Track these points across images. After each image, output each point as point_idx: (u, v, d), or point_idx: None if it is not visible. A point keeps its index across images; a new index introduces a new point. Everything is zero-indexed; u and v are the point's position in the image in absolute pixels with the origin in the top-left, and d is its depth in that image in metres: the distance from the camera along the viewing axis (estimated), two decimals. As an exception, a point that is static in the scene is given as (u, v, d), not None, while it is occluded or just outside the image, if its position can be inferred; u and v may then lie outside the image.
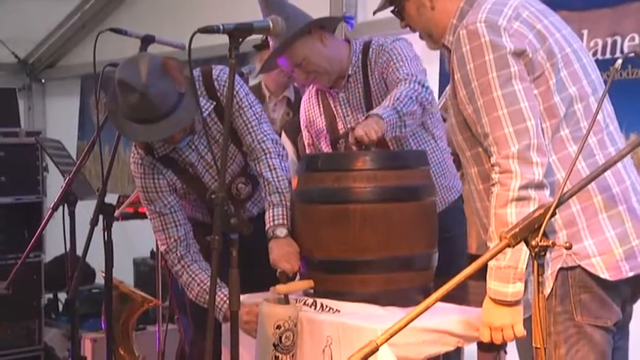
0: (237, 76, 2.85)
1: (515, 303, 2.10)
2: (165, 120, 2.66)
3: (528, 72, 2.12)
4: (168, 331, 3.80)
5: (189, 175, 2.95)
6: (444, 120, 3.31)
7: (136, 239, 5.25)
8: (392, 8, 2.38)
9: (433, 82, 4.07)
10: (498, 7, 2.16)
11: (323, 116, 3.14)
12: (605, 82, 2.26)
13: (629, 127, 3.51)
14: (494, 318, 2.13)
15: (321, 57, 2.97)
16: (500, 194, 2.08)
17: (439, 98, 3.68)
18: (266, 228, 2.80)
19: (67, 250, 3.01)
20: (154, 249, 4.58)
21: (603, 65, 3.46)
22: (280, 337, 2.51)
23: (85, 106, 6.81)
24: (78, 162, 3.03)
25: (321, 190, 2.66)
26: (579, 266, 2.10)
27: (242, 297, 2.37)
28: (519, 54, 2.11)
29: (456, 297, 2.28)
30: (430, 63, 3.01)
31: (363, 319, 2.47)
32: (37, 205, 4.90)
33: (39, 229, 3.21)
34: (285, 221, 2.79)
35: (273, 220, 2.79)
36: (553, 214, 1.73)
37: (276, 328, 2.51)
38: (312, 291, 2.70)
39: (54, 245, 4.86)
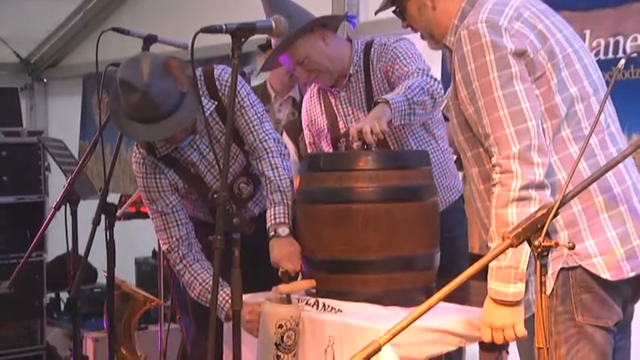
0: (238, 76, 2.85)
1: (516, 303, 2.10)
2: (166, 119, 2.66)
3: (529, 72, 2.12)
4: (170, 331, 3.81)
5: (190, 175, 2.95)
6: (446, 120, 3.31)
7: (137, 239, 5.25)
8: (393, 8, 2.38)
9: (435, 82, 4.08)
10: (499, 7, 2.16)
11: (324, 115, 3.14)
12: (608, 82, 2.26)
13: (632, 128, 3.51)
14: (495, 318, 2.13)
15: (323, 55, 2.97)
16: (501, 194, 2.08)
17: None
18: (267, 226, 2.80)
19: (69, 249, 3.01)
20: (156, 248, 4.59)
21: (606, 65, 3.46)
22: (282, 337, 2.51)
23: (87, 106, 6.82)
24: (80, 162, 3.03)
25: (324, 190, 2.66)
26: (580, 266, 2.10)
27: (244, 296, 2.37)
28: (520, 54, 2.11)
29: (458, 297, 2.28)
30: (432, 63, 3.00)
31: (365, 319, 2.47)
32: (39, 204, 4.90)
33: (41, 229, 3.21)
34: (287, 220, 2.79)
35: (275, 219, 2.79)
36: (556, 214, 1.73)
37: (278, 327, 2.51)
38: (314, 291, 2.70)
39: (56, 245, 4.86)
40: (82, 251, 2.89)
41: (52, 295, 5.55)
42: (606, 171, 1.87)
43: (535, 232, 1.72)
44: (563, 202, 1.77)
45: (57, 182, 4.66)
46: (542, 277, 1.72)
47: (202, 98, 2.82)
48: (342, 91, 3.08)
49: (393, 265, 2.60)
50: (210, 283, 2.80)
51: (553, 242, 1.72)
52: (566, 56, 2.17)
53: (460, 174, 3.35)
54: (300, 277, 2.77)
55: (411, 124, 2.97)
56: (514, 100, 2.08)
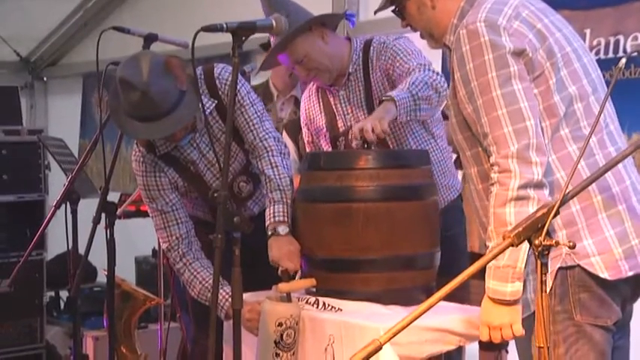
0: (238, 75, 2.85)
1: (514, 302, 2.10)
2: (166, 118, 2.66)
3: (528, 71, 2.12)
4: (170, 330, 3.81)
5: (190, 173, 2.95)
6: (446, 118, 3.31)
7: (137, 237, 5.25)
8: (392, 8, 2.38)
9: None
10: (498, 6, 2.16)
11: (323, 114, 3.14)
12: (607, 81, 2.26)
13: (632, 127, 3.51)
14: (492, 317, 2.13)
15: (322, 54, 2.97)
16: (500, 194, 2.08)
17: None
18: (266, 224, 2.80)
19: (70, 248, 3.01)
20: (156, 247, 4.59)
21: (606, 64, 3.46)
22: (282, 335, 2.51)
23: (87, 105, 6.81)
24: (80, 160, 3.03)
25: (324, 189, 2.66)
26: (578, 265, 2.10)
27: (244, 295, 2.37)
28: (519, 53, 2.11)
29: (458, 296, 2.28)
30: (432, 62, 3.00)
31: (365, 318, 2.47)
32: (39, 203, 4.90)
33: (41, 228, 3.21)
34: (286, 218, 2.79)
35: (274, 217, 2.79)
36: (556, 214, 1.73)
37: (278, 325, 2.51)
38: (314, 289, 2.70)
39: (56, 243, 4.86)
40: (82, 250, 2.90)
41: (52, 293, 5.54)
42: (607, 170, 1.87)
43: (536, 232, 1.72)
44: (564, 202, 1.77)
45: (57, 181, 4.66)
46: (543, 276, 1.72)
47: (202, 97, 2.82)
48: (341, 90, 3.08)
49: (393, 264, 2.60)
50: (210, 281, 2.81)
51: (554, 241, 1.72)
52: (565, 55, 2.17)
53: (459, 173, 3.35)
54: (298, 276, 2.77)
55: (411, 123, 2.97)
56: (512, 100, 2.08)
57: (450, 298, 1.77)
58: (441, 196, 2.99)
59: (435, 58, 4.01)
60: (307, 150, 3.25)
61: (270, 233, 2.78)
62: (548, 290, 2.07)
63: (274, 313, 2.53)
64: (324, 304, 2.62)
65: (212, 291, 2.23)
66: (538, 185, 2.06)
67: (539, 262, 1.71)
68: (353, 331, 2.44)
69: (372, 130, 2.62)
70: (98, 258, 3.07)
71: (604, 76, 2.31)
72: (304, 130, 3.25)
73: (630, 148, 1.87)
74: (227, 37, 2.30)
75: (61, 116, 7.13)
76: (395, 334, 1.66)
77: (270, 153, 2.87)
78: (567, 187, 1.78)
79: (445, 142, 3.13)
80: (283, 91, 4.06)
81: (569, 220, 2.09)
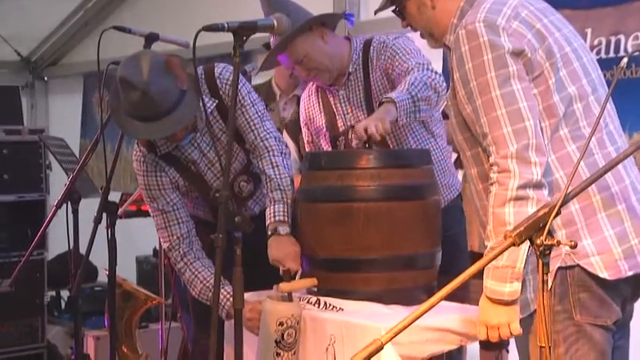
0: (240, 76, 2.85)
1: (512, 302, 2.11)
2: (166, 117, 2.66)
3: (527, 72, 2.12)
4: (171, 329, 3.81)
5: (191, 173, 2.95)
6: (445, 117, 3.31)
7: (138, 237, 5.25)
8: (393, 8, 2.38)
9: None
10: (498, 6, 2.16)
11: (323, 114, 3.14)
12: (608, 81, 2.26)
13: (633, 127, 3.50)
14: (490, 316, 2.14)
15: (322, 54, 2.97)
16: (499, 193, 2.08)
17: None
18: (266, 224, 2.80)
19: (71, 248, 3.01)
20: (157, 247, 4.59)
21: (607, 64, 3.46)
22: (282, 334, 2.51)
23: (88, 104, 6.81)
24: (81, 160, 3.03)
25: (325, 189, 2.66)
26: (578, 265, 2.10)
27: (246, 295, 2.37)
28: (518, 54, 2.11)
29: (459, 296, 2.29)
30: (433, 62, 3.00)
31: (366, 318, 2.47)
32: (40, 203, 4.89)
33: (42, 227, 3.21)
34: (286, 218, 2.79)
35: (274, 217, 2.79)
36: (558, 213, 1.73)
37: (279, 325, 2.51)
38: (315, 289, 2.70)
39: (56, 243, 4.87)
40: (82, 250, 2.90)
41: (53, 293, 5.54)
42: (608, 170, 1.87)
43: (537, 231, 1.72)
44: (566, 201, 1.77)
45: (58, 180, 4.65)
46: (545, 275, 1.72)
47: (203, 96, 2.81)
48: (340, 90, 3.08)
49: (394, 264, 2.60)
50: (211, 281, 2.81)
51: (555, 241, 1.72)
52: (565, 55, 2.17)
53: (460, 173, 3.35)
54: (298, 275, 2.77)
55: (411, 123, 2.97)
56: (511, 100, 2.08)
57: (450, 297, 1.77)
58: (441, 195, 2.99)
59: (435, 58, 4.02)
60: (307, 150, 3.25)
61: (270, 233, 2.78)
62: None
63: (275, 313, 2.53)
64: (325, 303, 2.62)
65: (213, 290, 2.23)
66: (537, 185, 2.06)
67: (540, 261, 1.71)
68: (354, 331, 2.44)
69: (376, 130, 2.62)
70: (99, 258, 3.07)
71: (605, 76, 2.31)
72: (304, 129, 3.25)
73: (632, 148, 1.87)
74: (228, 37, 2.30)
75: (61, 116, 7.14)
76: (396, 334, 1.66)
77: (270, 153, 2.87)
78: (568, 186, 1.78)
79: (445, 141, 3.13)
80: (286, 91, 4.06)
81: (569, 219, 2.10)
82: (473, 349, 3.36)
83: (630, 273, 2.11)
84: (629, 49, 3.60)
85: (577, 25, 2.54)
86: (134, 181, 4.23)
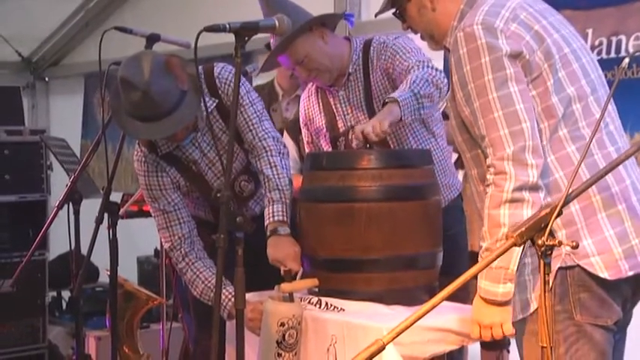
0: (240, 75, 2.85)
1: (506, 303, 2.13)
2: (167, 118, 2.66)
3: (526, 73, 2.12)
4: (172, 330, 3.81)
5: (192, 173, 2.95)
6: (445, 118, 3.32)
7: (139, 238, 5.25)
8: (393, 10, 2.38)
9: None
10: (496, 8, 2.16)
11: (322, 114, 3.14)
12: (609, 81, 2.26)
13: (634, 127, 3.50)
14: (483, 316, 2.16)
15: (323, 54, 2.97)
16: (494, 195, 2.09)
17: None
18: (265, 224, 2.79)
19: (72, 248, 3.02)
20: (158, 247, 4.59)
21: (608, 64, 3.46)
22: (284, 335, 2.51)
23: (89, 105, 6.82)
24: (83, 160, 3.03)
25: (326, 189, 2.66)
26: (578, 265, 2.10)
27: (247, 295, 2.37)
28: (516, 56, 2.11)
29: (458, 296, 2.28)
30: (435, 61, 3.00)
31: (367, 318, 2.47)
32: (42, 203, 4.90)
33: (44, 228, 3.21)
34: (285, 218, 2.79)
35: (273, 216, 2.79)
36: (559, 214, 1.73)
37: (280, 325, 2.51)
38: (316, 289, 2.70)
39: (57, 243, 4.87)
40: (84, 250, 2.90)
41: (54, 293, 5.55)
42: (610, 170, 1.87)
43: (538, 232, 1.73)
44: (567, 202, 1.77)
45: (59, 181, 4.66)
46: (546, 276, 1.72)
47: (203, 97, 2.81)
48: (340, 90, 3.08)
49: (395, 264, 2.60)
50: (213, 281, 2.81)
51: (557, 241, 1.72)
52: (564, 56, 2.17)
53: (460, 173, 3.36)
54: (299, 276, 2.77)
55: (411, 122, 2.97)
56: (508, 102, 2.08)
57: (450, 297, 1.77)
58: (441, 195, 3.00)
59: (437, 58, 4.02)
60: (307, 150, 3.25)
61: (269, 233, 2.78)
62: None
63: (276, 313, 2.53)
64: (326, 304, 2.62)
65: (215, 291, 2.23)
66: (533, 188, 2.07)
67: (542, 262, 1.72)
68: (355, 331, 2.44)
69: (373, 131, 2.62)
70: (100, 258, 3.08)
71: (605, 76, 2.31)
72: (303, 130, 3.25)
73: (633, 149, 1.87)
74: (229, 37, 2.30)
75: (62, 116, 7.14)
76: (398, 334, 1.66)
77: (268, 153, 2.87)
78: (570, 187, 1.78)
79: (445, 141, 3.14)
80: (288, 91, 4.06)
81: (569, 219, 2.10)
82: (474, 350, 3.36)
83: (631, 273, 2.11)
84: (630, 50, 3.60)
85: (578, 26, 2.54)
86: (135, 182, 4.23)
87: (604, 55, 3.68)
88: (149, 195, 2.95)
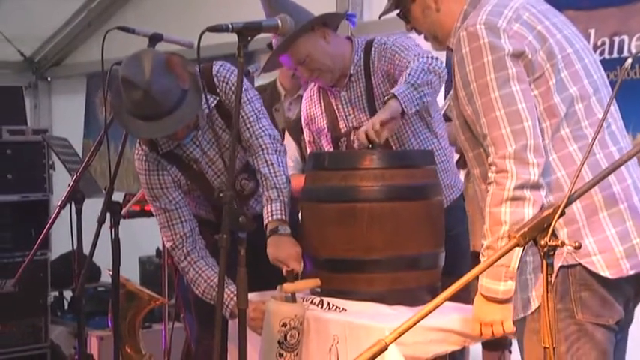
0: (237, 72, 2.85)
1: (506, 300, 2.14)
2: (168, 117, 2.66)
3: (528, 73, 2.13)
4: (174, 329, 3.81)
5: (193, 172, 2.95)
6: (447, 120, 3.32)
7: (141, 237, 5.26)
8: (397, 11, 2.39)
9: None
10: (499, 8, 2.18)
11: (324, 115, 3.14)
12: (611, 81, 2.27)
13: (636, 127, 3.50)
14: (484, 314, 2.17)
15: (324, 54, 2.97)
16: (496, 193, 2.10)
17: (444, 100, 3.69)
18: (264, 223, 2.79)
19: (75, 247, 3.02)
20: (160, 247, 4.59)
21: (610, 64, 3.46)
22: (285, 335, 2.51)
23: (91, 104, 6.82)
24: (85, 160, 3.04)
25: (329, 189, 2.66)
26: (579, 264, 2.11)
27: (250, 295, 2.37)
28: (518, 55, 2.12)
29: (460, 296, 2.29)
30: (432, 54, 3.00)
31: (370, 318, 2.48)
32: (44, 203, 4.90)
33: (46, 227, 3.22)
34: (284, 217, 2.78)
35: (272, 215, 2.78)
36: (562, 214, 1.74)
37: (282, 325, 2.51)
38: (319, 290, 2.70)
39: (59, 243, 4.87)
40: (86, 250, 2.90)
41: (56, 293, 5.55)
42: (613, 170, 1.88)
43: (541, 232, 1.73)
44: (570, 202, 1.78)
45: (61, 181, 4.67)
46: (549, 276, 1.72)
47: (204, 95, 2.82)
48: (342, 91, 3.08)
49: (397, 265, 2.60)
50: (215, 280, 2.81)
51: (559, 241, 1.73)
52: (566, 57, 2.18)
53: (461, 173, 3.36)
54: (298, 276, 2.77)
55: (413, 123, 2.97)
56: (510, 101, 2.10)
57: (452, 298, 1.78)
58: (444, 195, 3.00)
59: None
60: (308, 150, 3.25)
61: (269, 232, 2.77)
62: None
63: (278, 313, 2.53)
64: (328, 304, 2.62)
65: (217, 290, 2.24)
66: (534, 186, 2.08)
67: (544, 262, 1.72)
68: (358, 331, 2.44)
69: (372, 128, 2.62)
70: (102, 258, 3.08)
71: (608, 77, 2.31)
72: (305, 130, 3.25)
73: (635, 149, 1.88)
74: (231, 37, 2.30)
75: (64, 116, 7.14)
76: (401, 334, 1.66)
77: (265, 151, 2.87)
78: (573, 187, 1.79)
79: (447, 141, 3.14)
80: (290, 91, 4.06)
81: (570, 218, 2.10)
82: (475, 350, 3.37)
83: (632, 272, 2.12)
84: (633, 50, 3.60)
85: (580, 26, 2.54)
86: (137, 182, 4.23)
87: (606, 56, 3.68)
88: (150, 194, 2.95)
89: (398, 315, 2.49)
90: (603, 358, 2.14)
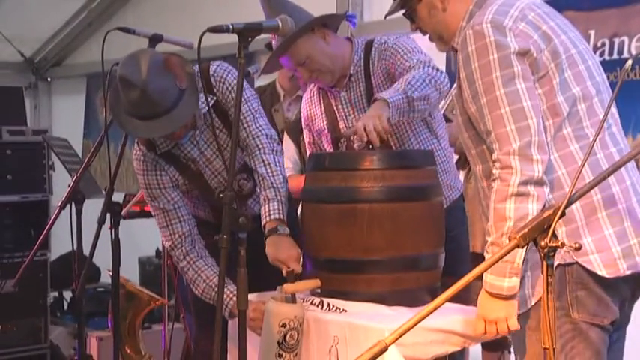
0: (235, 72, 2.85)
1: (511, 297, 2.14)
2: (166, 116, 2.66)
3: (533, 72, 2.15)
4: (173, 330, 3.81)
5: (191, 172, 2.95)
6: (447, 121, 3.32)
7: (141, 238, 5.26)
8: (403, 11, 2.39)
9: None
10: (505, 8, 2.20)
11: (324, 115, 3.13)
12: (611, 82, 2.28)
13: (636, 128, 3.50)
14: (488, 311, 2.17)
15: (324, 55, 2.96)
16: (500, 189, 2.11)
17: (445, 98, 3.69)
18: (262, 223, 2.78)
19: (75, 248, 3.02)
20: (160, 248, 4.60)
21: (610, 66, 3.46)
22: (285, 336, 2.51)
23: (91, 105, 6.83)
24: (85, 161, 3.04)
25: (329, 190, 2.66)
26: (577, 263, 2.13)
27: (250, 295, 2.37)
28: (523, 54, 2.14)
29: (460, 297, 2.29)
30: (437, 62, 3.00)
31: (370, 319, 2.47)
32: (44, 203, 4.90)
33: (46, 228, 3.22)
34: (282, 216, 2.77)
35: (270, 215, 2.78)
36: (562, 215, 1.74)
37: (281, 326, 2.51)
38: (319, 290, 2.70)
39: (58, 243, 4.87)
40: (86, 250, 2.90)
41: (56, 293, 5.55)
42: (614, 171, 1.89)
43: (541, 233, 1.74)
44: (570, 203, 1.78)
45: (61, 181, 4.67)
46: (549, 277, 1.72)
47: (201, 95, 2.81)
48: (342, 91, 3.08)
49: (397, 265, 2.60)
50: (214, 280, 2.81)
51: (560, 242, 1.74)
52: (570, 57, 2.20)
53: (461, 174, 3.36)
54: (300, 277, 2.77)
55: (414, 123, 2.97)
56: (515, 98, 2.11)
57: (452, 299, 1.78)
58: (444, 195, 3.00)
59: (439, 59, 4.01)
60: (308, 151, 3.25)
61: (268, 232, 2.76)
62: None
63: (278, 314, 2.53)
64: (328, 304, 2.62)
65: (217, 291, 2.23)
66: (538, 182, 2.09)
67: (545, 263, 1.72)
68: (357, 332, 2.44)
69: (375, 129, 2.61)
70: (101, 258, 3.08)
71: (608, 78, 2.34)
72: (305, 131, 3.24)
73: (636, 150, 1.89)
74: (230, 38, 2.30)
75: (65, 117, 7.15)
76: (401, 335, 1.66)
77: (261, 151, 2.86)
78: (573, 188, 1.79)
79: (447, 142, 3.14)
80: (289, 92, 4.06)
81: (569, 217, 2.12)
82: (475, 350, 3.37)
83: (628, 272, 2.14)
84: (633, 51, 3.61)
85: (580, 27, 2.55)
86: (137, 182, 4.23)
87: (606, 57, 3.69)
88: (149, 194, 2.95)
89: (398, 316, 2.49)
90: (597, 357, 2.15)
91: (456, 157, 3.38)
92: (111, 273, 2.92)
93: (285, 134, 3.61)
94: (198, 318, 3.14)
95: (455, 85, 2.35)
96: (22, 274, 3.21)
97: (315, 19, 2.97)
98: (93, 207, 3.09)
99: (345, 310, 2.58)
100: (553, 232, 1.74)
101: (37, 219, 4.78)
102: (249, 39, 2.29)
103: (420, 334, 2.35)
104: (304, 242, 2.75)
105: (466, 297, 2.60)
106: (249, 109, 2.89)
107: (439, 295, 1.75)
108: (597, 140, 2.17)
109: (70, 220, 3.02)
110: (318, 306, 2.63)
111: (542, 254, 1.74)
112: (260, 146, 2.86)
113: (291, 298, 2.59)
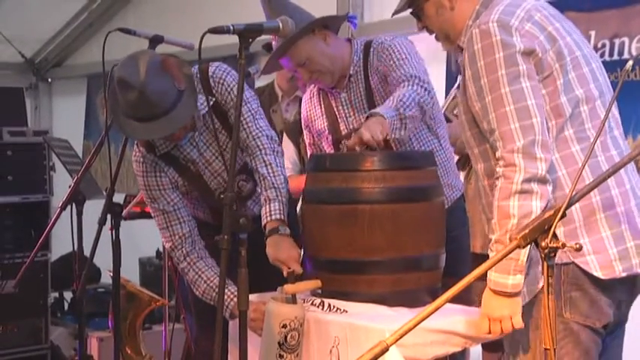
0: (234, 74, 2.85)
1: (515, 294, 2.15)
2: (164, 118, 2.66)
3: (537, 72, 2.17)
4: (174, 331, 3.81)
5: (190, 173, 2.95)
6: (448, 121, 3.32)
7: (141, 239, 5.26)
8: (410, 10, 2.40)
9: (440, 82, 4.07)
10: (511, 8, 2.22)
11: (324, 116, 3.13)
12: (612, 83, 2.28)
13: (637, 129, 3.50)
14: (493, 309, 2.18)
15: (325, 56, 2.97)
16: (504, 187, 2.12)
17: (445, 99, 3.69)
18: (263, 223, 2.78)
19: (75, 249, 3.02)
20: (160, 248, 4.60)
21: (611, 66, 3.46)
22: (286, 336, 2.51)
23: (92, 106, 6.83)
24: (86, 161, 3.04)
25: (329, 190, 2.66)
26: (573, 263, 2.14)
27: (251, 296, 2.37)
28: (529, 53, 2.16)
29: (464, 298, 2.30)
30: (436, 63, 3.01)
31: (370, 320, 2.48)
32: (44, 204, 4.90)
33: (47, 228, 3.22)
34: (283, 216, 2.77)
35: (271, 215, 2.78)
36: (563, 216, 1.75)
37: (282, 327, 2.51)
38: (319, 291, 2.70)
39: (59, 244, 4.87)
40: (86, 251, 2.90)
41: (56, 294, 5.55)
42: (613, 173, 1.90)
43: (542, 233, 1.74)
44: (571, 204, 1.79)
45: (62, 182, 4.67)
46: (550, 278, 1.73)
47: (200, 96, 2.81)
48: (342, 92, 3.08)
49: (398, 266, 2.60)
50: (215, 280, 2.81)
51: (560, 243, 1.74)
52: (574, 59, 2.22)
53: (461, 174, 3.36)
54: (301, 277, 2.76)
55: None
56: (520, 97, 2.13)
57: (453, 299, 1.78)
58: (444, 195, 2.99)
59: (440, 59, 4.02)
60: (308, 151, 3.25)
61: (268, 232, 2.76)
62: (540, 285, 2.11)
63: (279, 314, 2.53)
64: (329, 305, 2.62)
65: (218, 291, 2.23)
66: (542, 180, 2.11)
67: (545, 264, 1.73)
68: (358, 333, 2.44)
69: (376, 139, 2.61)
70: (102, 259, 3.08)
71: (609, 78, 2.34)
72: (305, 132, 3.24)
73: (637, 151, 1.89)
74: (230, 39, 2.31)
75: (65, 117, 7.15)
76: (402, 336, 1.66)
77: (262, 151, 2.86)
78: (574, 189, 1.80)
79: (448, 142, 3.14)
80: (288, 92, 4.06)
81: (568, 217, 2.12)
82: (476, 351, 3.36)
83: (624, 274, 2.14)
84: (633, 52, 3.61)
85: (581, 28, 2.55)
86: (137, 183, 4.23)
87: (607, 58, 3.69)
88: (148, 195, 2.95)
89: (398, 317, 2.49)
90: (585, 358, 2.15)
91: (456, 158, 3.39)
92: (111, 274, 2.92)
93: (284, 135, 3.61)
94: (198, 319, 3.14)
95: (456, 84, 2.36)
96: (23, 274, 3.21)
97: (316, 21, 2.97)
98: (93, 208, 3.09)
99: (346, 311, 2.58)
100: (554, 232, 1.74)
101: (37, 220, 4.79)
102: (250, 40, 2.29)
103: (420, 335, 2.35)
104: (305, 243, 2.76)
105: (467, 298, 2.60)
106: (250, 110, 2.89)
107: (440, 295, 1.75)
108: (599, 142, 2.18)
109: (70, 220, 3.02)
110: (318, 307, 2.63)
111: (542, 255, 1.74)
112: (261, 147, 2.86)
113: (292, 299, 2.59)
